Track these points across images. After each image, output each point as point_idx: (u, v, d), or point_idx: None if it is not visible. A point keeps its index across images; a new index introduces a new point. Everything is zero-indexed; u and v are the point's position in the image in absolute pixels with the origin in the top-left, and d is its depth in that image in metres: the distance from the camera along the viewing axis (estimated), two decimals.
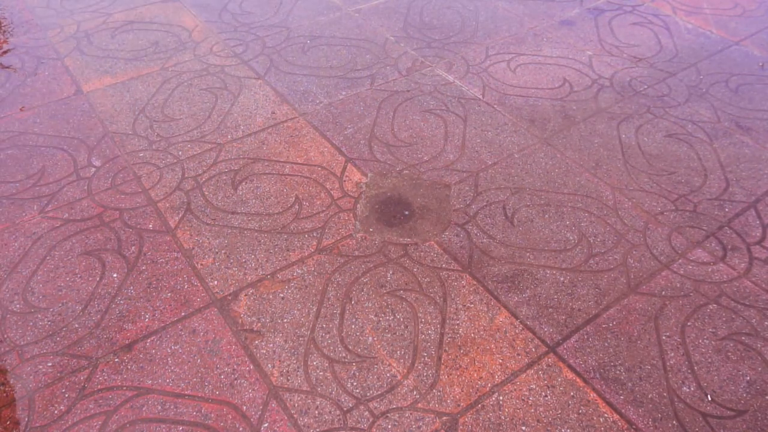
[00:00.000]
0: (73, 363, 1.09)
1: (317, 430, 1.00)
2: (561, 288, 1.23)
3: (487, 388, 1.06)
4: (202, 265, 1.26)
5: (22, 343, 1.12)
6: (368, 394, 1.05)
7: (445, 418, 1.02)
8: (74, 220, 1.36)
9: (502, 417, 1.02)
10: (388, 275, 1.25)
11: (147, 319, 1.16)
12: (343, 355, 1.11)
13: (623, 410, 1.03)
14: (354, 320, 1.17)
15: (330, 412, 1.02)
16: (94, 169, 1.50)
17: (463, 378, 1.07)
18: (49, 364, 1.09)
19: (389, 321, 1.16)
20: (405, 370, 1.08)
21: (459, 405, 1.04)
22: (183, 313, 1.17)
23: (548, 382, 1.07)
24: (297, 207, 1.41)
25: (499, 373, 1.08)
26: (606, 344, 1.13)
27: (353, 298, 1.21)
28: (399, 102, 1.74)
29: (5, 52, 1.95)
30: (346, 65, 1.90)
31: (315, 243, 1.32)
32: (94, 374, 1.07)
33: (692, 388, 1.06)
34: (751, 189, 1.47)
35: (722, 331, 1.16)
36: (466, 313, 1.18)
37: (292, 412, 1.02)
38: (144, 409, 1.02)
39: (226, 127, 1.63)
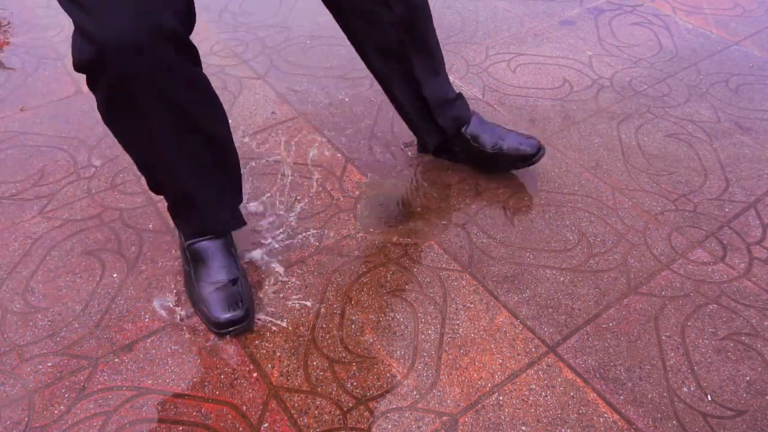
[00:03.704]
0: (73, 363, 1.09)
1: (317, 430, 1.00)
2: (561, 288, 1.23)
3: (487, 388, 1.06)
4: None
5: (22, 343, 1.12)
6: (368, 394, 1.05)
7: (445, 418, 1.02)
8: (74, 220, 1.36)
9: (502, 417, 1.02)
10: (388, 275, 1.25)
11: (147, 319, 1.16)
12: (343, 355, 1.11)
13: (623, 410, 1.03)
14: (354, 320, 1.17)
15: (330, 412, 1.02)
16: (94, 169, 1.50)
17: (463, 378, 1.07)
18: (49, 364, 1.09)
19: (389, 321, 1.17)
20: (405, 370, 1.08)
21: (459, 405, 1.04)
22: (183, 313, 1.17)
23: (548, 382, 1.07)
24: (297, 207, 1.40)
25: (499, 373, 1.08)
26: (606, 344, 1.13)
27: (353, 298, 1.21)
28: None
29: (5, 52, 1.95)
30: (346, 65, 1.90)
31: (315, 243, 1.32)
32: (94, 374, 1.07)
33: (692, 388, 1.06)
34: (751, 189, 1.47)
35: (722, 331, 1.16)
36: (466, 313, 1.18)
37: (292, 412, 1.02)
38: (144, 409, 1.02)
39: None
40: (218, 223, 1.18)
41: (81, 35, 0.86)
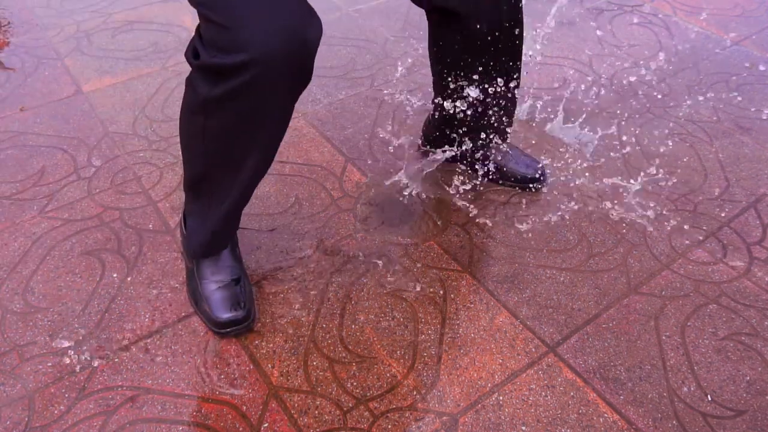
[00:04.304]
0: (73, 363, 1.09)
1: (317, 430, 1.00)
2: (561, 288, 1.23)
3: (487, 388, 1.06)
4: None
5: (22, 343, 1.12)
6: (368, 394, 1.05)
7: (445, 418, 1.02)
8: (74, 220, 1.36)
9: (502, 417, 1.02)
10: (388, 275, 1.25)
11: (147, 319, 1.16)
12: (343, 355, 1.11)
13: (623, 410, 1.03)
14: (354, 320, 1.17)
15: (330, 412, 1.02)
16: (94, 169, 1.50)
17: (463, 378, 1.07)
18: (49, 364, 1.09)
19: (389, 321, 1.17)
20: (405, 370, 1.08)
21: (459, 405, 1.04)
22: (183, 313, 1.17)
23: (548, 382, 1.07)
24: (297, 207, 1.41)
25: (499, 373, 1.08)
26: (606, 344, 1.13)
27: (353, 298, 1.21)
28: (399, 102, 1.74)
29: (5, 52, 1.95)
30: (346, 65, 1.90)
31: (315, 243, 1.32)
32: (94, 374, 1.07)
33: (692, 388, 1.06)
34: (751, 189, 1.47)
35: (722, 331, 1.16)
36: (466, 313, 1.18)
37: (292, 412, 1.02)
38: (144, 409, 1.02)
39: None
40: (228, 237, 1.17)
41: (221, 42, 0.84)
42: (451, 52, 1.26)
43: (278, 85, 0.89)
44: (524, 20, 1.25)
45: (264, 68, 0.84)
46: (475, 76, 1.27)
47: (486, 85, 1.28)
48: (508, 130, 1.43)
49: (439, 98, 1.38)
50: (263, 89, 0.88)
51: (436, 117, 1.45)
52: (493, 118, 1.36)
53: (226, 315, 1.11)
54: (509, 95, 1.34)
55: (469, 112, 1.35)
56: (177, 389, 1.05)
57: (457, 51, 1.24)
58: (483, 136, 1.41)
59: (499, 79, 1.28)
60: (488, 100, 1.31)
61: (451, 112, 1.37)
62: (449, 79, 1.30)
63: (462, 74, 1.28)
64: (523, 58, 1.34)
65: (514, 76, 1.31)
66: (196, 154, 1.04)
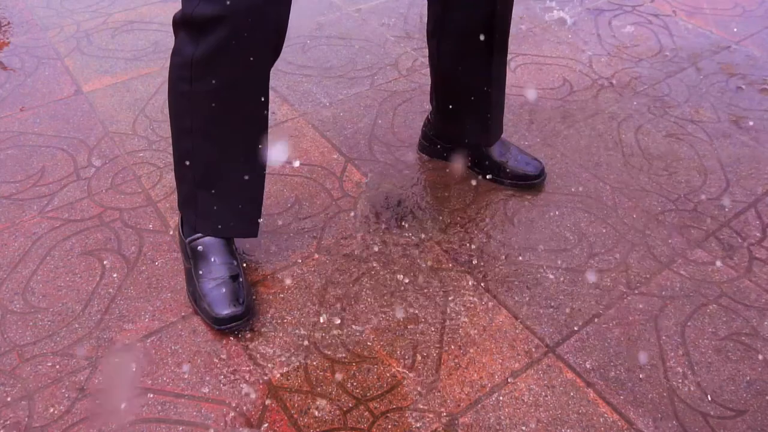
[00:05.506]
0: (73, 363, 1.09)
1: (317, 430, 1.00)
2: (561, 288, 1.23)
3: (487, 388, 1.06)
4: None
5: (22, 343, 1.12)
6: (368, 394, 1.05)
7: (445, 418, 1.02)
8: (74, 220, 1.36)
9: (502, 417, 1.02)
10: (388, 275, 1.25)
11: (147, 319, 1.16)
12: (343, 355, 1.11)
13: (623, 410, 1.03)
14: (354, 320, 1.17)
15: (330, 412, 1.02)
16: (94, 169, 1.50)
17: (463, 378, 1.07)
18: (49, 364, 1.09)
19: (389, 321, 1.17)
20: (405, 370, 1.08)
21: (459, 405, 1.04)
22: (183, 313, 1.17)
23: (548, 382, 1.07)
24: (297, 207, 1.41)
25: (499, 373, 1.08)
26: (606, 344, 1.13)
27: (353, 297, 1.21)
28: (399, 102, 1.74)
29: (5, 53, 1.95)
30: (346, 65, 1.90)
31: (315, 243, 1.32)
32: (94, 374, 1.07)
33: (692, 388, 1.06)
34: (751, 189, 1.47)
35: (722, 331, 1.16)
36: (466, 313, 1.18)
37: (292, 412, 1.02)
38: (144, 409, 1.02)
39: None
40: (234, 221, 1.18)
41: None
42: (449, 29, 1.28)
43: (257, 43, 0.97)
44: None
45: (242, 22, 0.93)
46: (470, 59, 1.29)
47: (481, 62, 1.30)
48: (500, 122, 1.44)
49: (435, 102, 1.40)
50: (243, 48, 0.95)
51: (430, 131, 1.49)
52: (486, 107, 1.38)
53: (225, 311, 1.11)
54: (497, 85, 1.35)
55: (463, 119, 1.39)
56: (177, 389, 1.05)
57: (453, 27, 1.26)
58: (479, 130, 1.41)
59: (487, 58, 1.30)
60: (482, 82, 1.33)
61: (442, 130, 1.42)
62: (444, 61, 1.32)
63: (457, 52, 1.29)
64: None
65: (503, 51, 1.32)
66: (184, 129, 1.09)
